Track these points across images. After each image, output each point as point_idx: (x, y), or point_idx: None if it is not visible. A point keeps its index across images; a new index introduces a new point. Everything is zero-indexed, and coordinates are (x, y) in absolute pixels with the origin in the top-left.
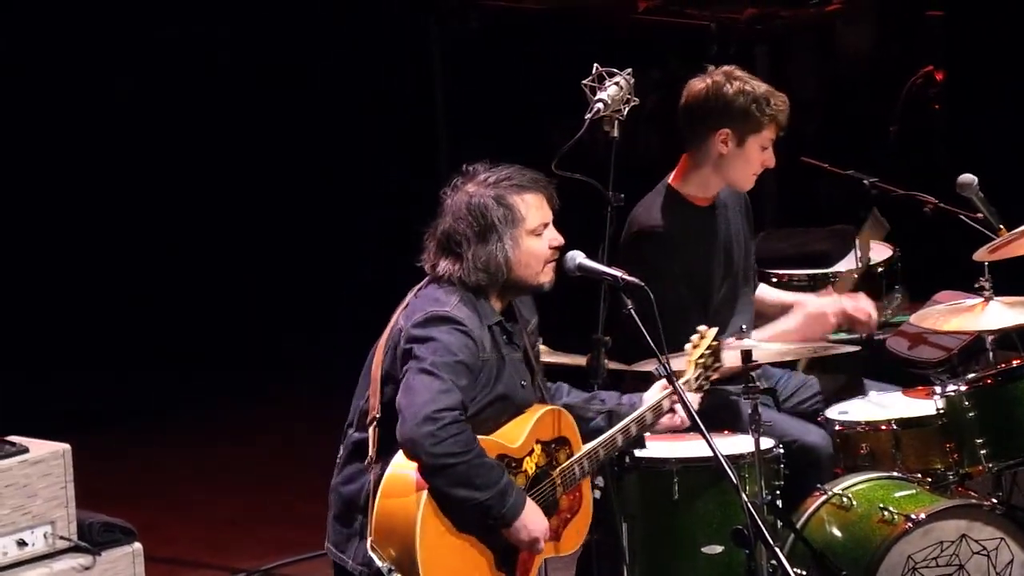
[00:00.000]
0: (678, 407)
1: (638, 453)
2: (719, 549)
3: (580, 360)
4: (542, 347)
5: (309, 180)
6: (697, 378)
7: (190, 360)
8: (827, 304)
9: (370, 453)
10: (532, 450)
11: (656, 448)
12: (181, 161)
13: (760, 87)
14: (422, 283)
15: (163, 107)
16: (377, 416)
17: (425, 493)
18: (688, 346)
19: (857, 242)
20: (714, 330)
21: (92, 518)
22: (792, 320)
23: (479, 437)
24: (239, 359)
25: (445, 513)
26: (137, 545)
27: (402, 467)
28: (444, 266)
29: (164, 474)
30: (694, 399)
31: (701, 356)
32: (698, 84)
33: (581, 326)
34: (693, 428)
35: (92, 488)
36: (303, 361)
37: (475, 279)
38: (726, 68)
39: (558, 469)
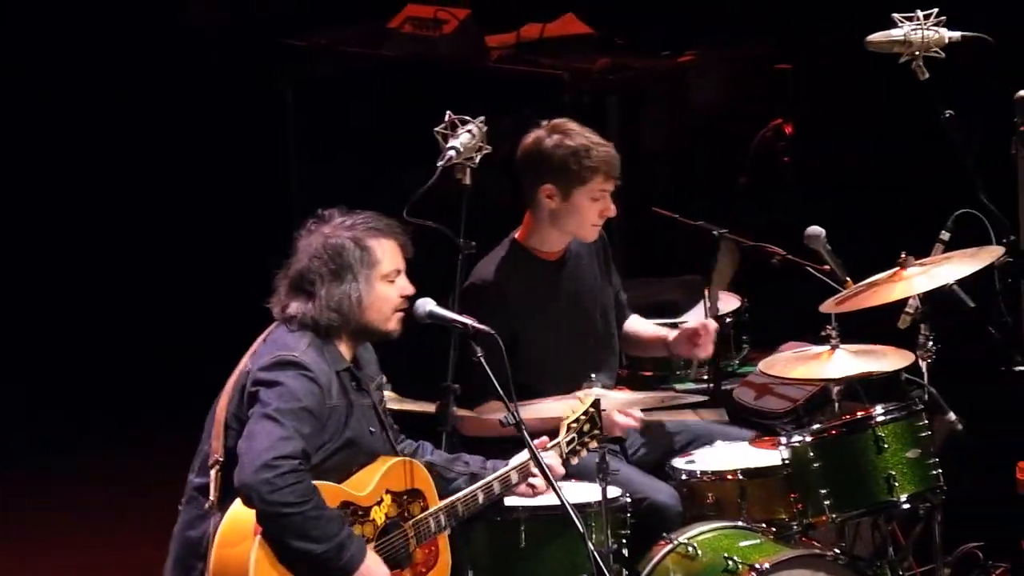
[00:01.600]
0: (535, 473)
1: None
2: None
3: (429, 407)
4: (391, 394)
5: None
6: (569, 443)
7: (44, 404)
8: (698, 327)
9: (211, 497)
10: (381, 500)
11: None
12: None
13: (579, 139)
14: (271, 327)
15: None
16: (220, 460)
17: (258, 539)
18: (563, 410)
19: (706, 292)
20: (592, 396)
21: None
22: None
23: (325, 483)
24: (99, 400)
25: (279, 560)
26: None
27: (240, 513)
28: (295, 307)
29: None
30: (557, 462)
31: (576, 421)
32: (527, 139)
33: (430, 374)
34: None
35: None
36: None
37: (326, 319)
38: (556, 121)
39: (411, 521)
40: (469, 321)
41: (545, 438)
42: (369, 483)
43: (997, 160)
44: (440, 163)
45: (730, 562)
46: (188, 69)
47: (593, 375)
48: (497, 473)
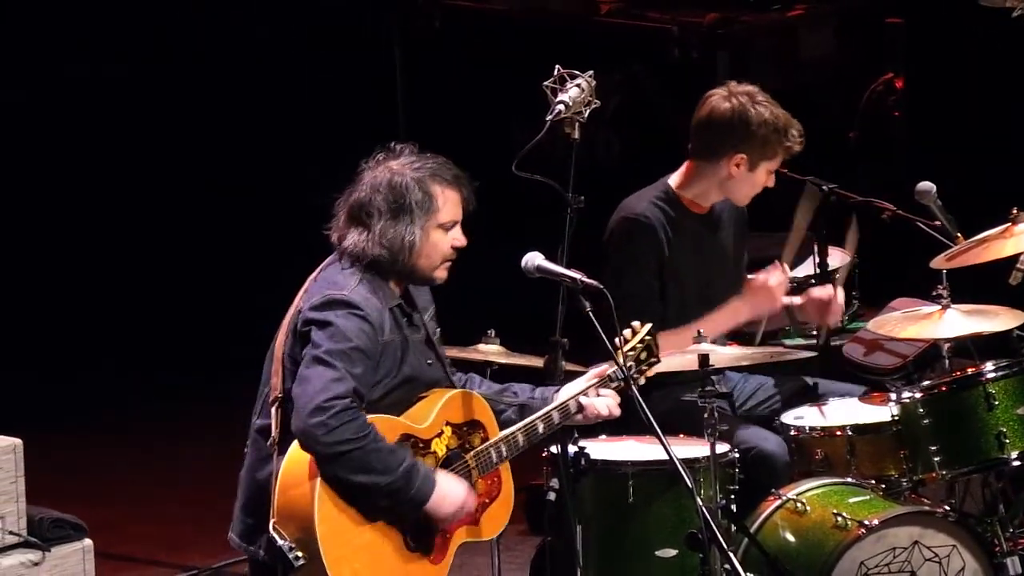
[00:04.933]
0: (591, 403)
1: (593, 455)
2: (673, 553)
3: (538, 362)
4: (499, 348)
5: (272, 182)
6: (628, 371)
7: (145, 359)
8: (772, 277)
9: (273, 435)
10: (441, 432)
11: (612, 451)
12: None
13: (782, 116)
14: (324, 263)
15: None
16: (280, 396)
17: (320, 479)
18: (619, 339)
19: (815, 246)
20: (648, 325)
21: (42, 513)
22: (740, 299)
23: (384, 416)
24: (193, 360)
25: (343, 497)
26: (88, 541)
27: (300, 454)
28: (350, 238)
29: (116, 472)
30: (614, 396)
31: (632, 349)
32: (722, 103)
33: (539, 328)
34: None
35: (43, 484)
36: (255, 364)
37: (376, 253)
38: (748, 89)
39: (472, 452)
40: (578, 276)
41: (603, 366)
42: (429, 415)
43: None
44: (549, 117)
45: (839, 518)
46: (297, 28)
47: (700, 330)
48: (555, 404)
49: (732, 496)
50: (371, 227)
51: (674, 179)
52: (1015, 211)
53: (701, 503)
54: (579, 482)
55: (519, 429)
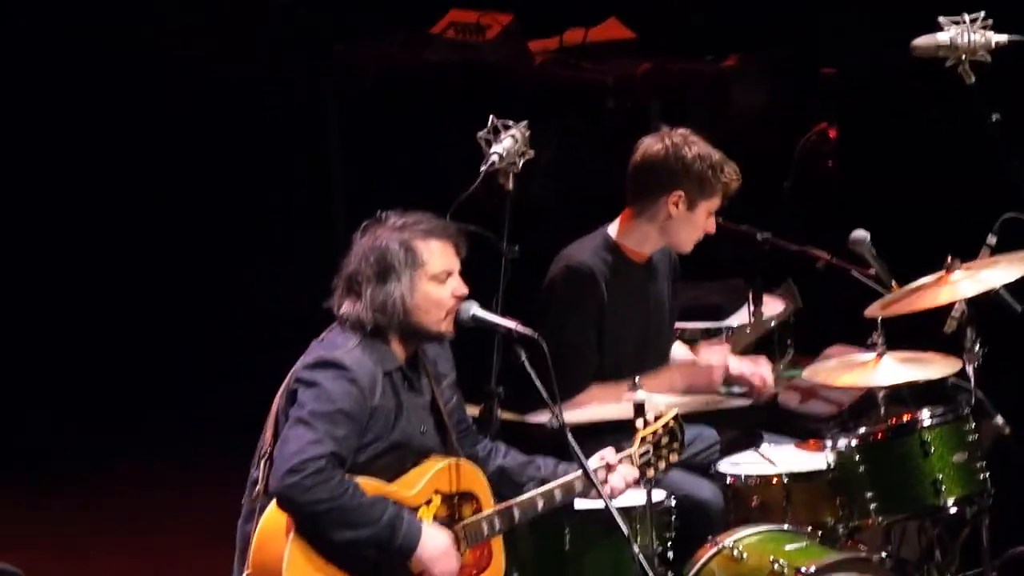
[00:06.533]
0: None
1: None
2: None
3: (474, 410)
4: None
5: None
6: (643, 454)
7: (90, 409)
8: (716, 359)
9: (258, 488)
10: (430, 500)
11: None
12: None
13: (716, 154)
14: (330, 327)
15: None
16: (268, 451)
17: (291, 536)
18: (639, 421)
19: (751, 300)
20: (674, 411)
21: None
22: (679, 371)
23: (370, 480)
24: (143, 408)
25: (315, 556)
26: None
27: (276, 512)
28: (345, 307)
29: (58, 521)
30: (631, 474)
31: (653, 433)
32: (655, 145)
33: (474, 377)
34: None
35: None
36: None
37: (371, 319)
38: (681, 131)
39: (461, 523)
40: (513, 325)
41: (610, 449)
42: (418, 483)
43: None
44: (483, 168)
45: (776, 565)
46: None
47: (636, 378)
48: (559, 481)
49: (669, 543)
50: (362, 294)
51: (613, 228)
52: (950, 260)
53: (638, 550)
54: (516, 530)
55: (516, 504)
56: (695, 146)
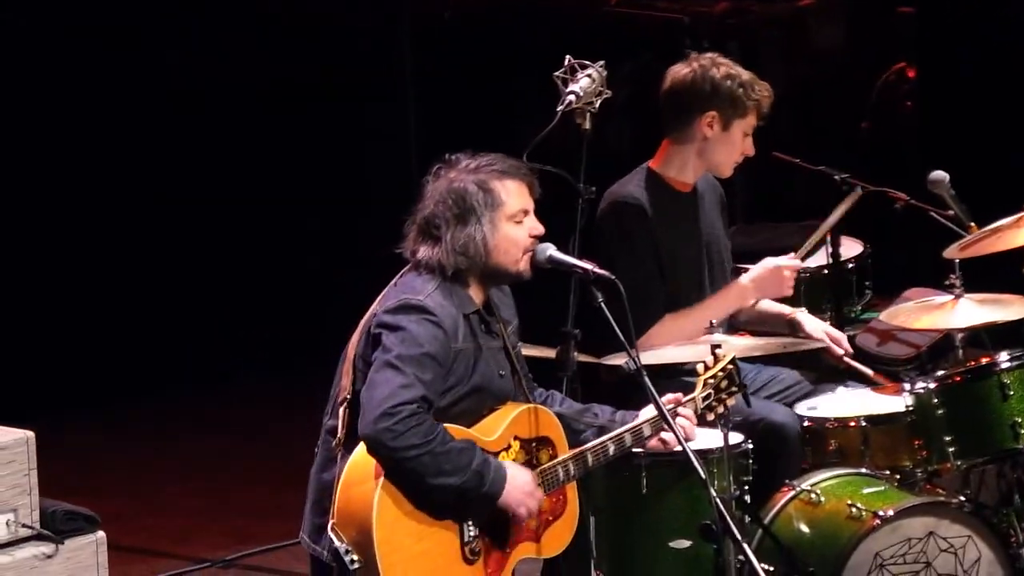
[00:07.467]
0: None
1: None
2: (687, 544)
3: (550, 353)
4: None
5: (279, 181)
6: (705, 398)
7: (157, 349)
8: (780, 259)
9: (339, 435)
10: (509, 446)
11: None
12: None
13: (745, 73)
14: (403, 270)
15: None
16: (348, 397)
17: (381, 480)
18: (700, 365)
19: (827, 236)
20: (732, 354)
21: (55, 506)
22: (748, 281)
23: (452, 426)
24: (206, 350)
25: (404, 500)
26: (100, 534)
27: (363, 456)
28: (423, 252)
29: (130, 464)
30: (692, 416)
31: (713, 376)
32: (683, 69)
33: (551, 319)
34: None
35: (55, 476)
36: (272, 354)
37: (453, 262)
38: (710, 54)
39: (538, 468)
40: (590, 266)
41: (679, 394)
42: (497, 428)
43: None
44: (560, 108)
45: (854, 509)
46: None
47: (713, 320)
48: (629, 425)
49: (746, 487)
50: (441, 238)
51: (652, 161)
52: None
53: (715, 494)
54: (593, 474)
55: (589, 449)
56: (723, 67)
